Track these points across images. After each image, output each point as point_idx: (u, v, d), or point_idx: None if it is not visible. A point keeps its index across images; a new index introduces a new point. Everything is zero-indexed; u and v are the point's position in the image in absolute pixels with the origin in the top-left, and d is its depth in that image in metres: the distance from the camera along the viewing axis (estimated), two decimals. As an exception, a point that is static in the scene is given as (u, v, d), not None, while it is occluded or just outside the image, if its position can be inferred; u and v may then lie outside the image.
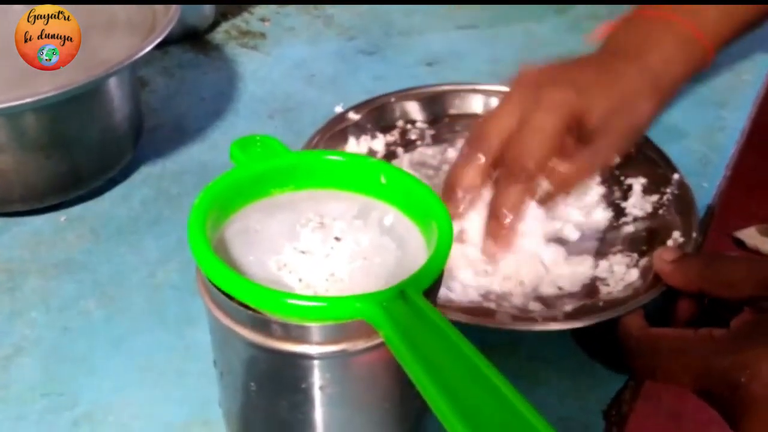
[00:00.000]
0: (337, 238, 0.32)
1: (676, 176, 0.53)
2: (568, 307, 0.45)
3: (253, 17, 0.81)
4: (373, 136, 0.58)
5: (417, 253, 0.32)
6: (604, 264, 0.48)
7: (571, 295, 0.46)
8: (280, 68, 0.73)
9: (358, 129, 0.58)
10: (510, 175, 0.48)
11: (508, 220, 0.47)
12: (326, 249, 0.32)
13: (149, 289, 0.49)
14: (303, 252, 0.32)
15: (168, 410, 0.41)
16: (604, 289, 0.46)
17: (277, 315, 0.28)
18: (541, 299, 0.46)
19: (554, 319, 0.43)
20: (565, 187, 0.50)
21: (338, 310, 0.28)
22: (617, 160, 0.54)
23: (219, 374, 0.35)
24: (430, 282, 0.29)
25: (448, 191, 0.49)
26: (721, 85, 0.72)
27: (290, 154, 0.35)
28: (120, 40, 0.55)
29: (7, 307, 0.47)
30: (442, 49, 0.76)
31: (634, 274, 0.47)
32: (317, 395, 0.31)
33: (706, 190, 0.60)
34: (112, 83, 0.52)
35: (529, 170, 0.47)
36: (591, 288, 0.47)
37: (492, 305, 0.45)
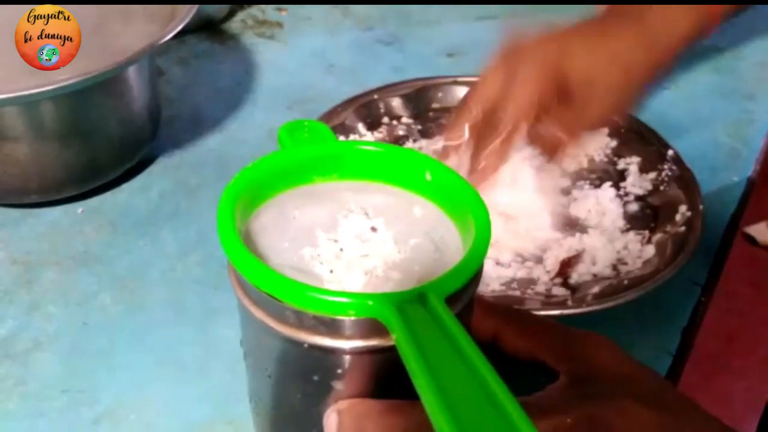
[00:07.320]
0: (374, 231, 0.31)
1: (670, 152, 0.53)
2: (595, 288, 0.44)
3: (270, 6, 0.80)
4: (361, 135, 0.58)
5: (454, 256, 0.30)
6: (618, 244, 0.48)
7: (595, 278, 0.46)
8: (298, 58, 0.72)
9: (345, 129, 0.57)
10: (489, 125, 0.48)
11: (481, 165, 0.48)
12: (363, 243, 0.31)
13: (169, 282, 0.48)
14: (338, 243, 0.31)
15: (191, 408, 0.40)
16: (623, 268, 0.46)
17: (290, 304, 0.27)
18: (564, 284, 0.46)
19: (584, 301, 0.43)
20: (552, 151, 0.50)
21: (349, 306, 0.26)
22: (605, 129, 0.54)
23: (249, 367, 0.33)
24: (453, 288, 0.27)
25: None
26: (749, 78, 0.71)
27: (336, 143, 0.34)
28: (138, 28, 0.53)
29: (26, 300, 0.46)
30: (462, 39, 0.75)
31: (650, 251, 0.47)
32: (355, 390, 0.30)
33: (736, 183, 0.58)
34: (132, 72, 0.51)
35: (507, 117, 0.47)
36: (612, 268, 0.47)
37: (517, 293, 0.45)
